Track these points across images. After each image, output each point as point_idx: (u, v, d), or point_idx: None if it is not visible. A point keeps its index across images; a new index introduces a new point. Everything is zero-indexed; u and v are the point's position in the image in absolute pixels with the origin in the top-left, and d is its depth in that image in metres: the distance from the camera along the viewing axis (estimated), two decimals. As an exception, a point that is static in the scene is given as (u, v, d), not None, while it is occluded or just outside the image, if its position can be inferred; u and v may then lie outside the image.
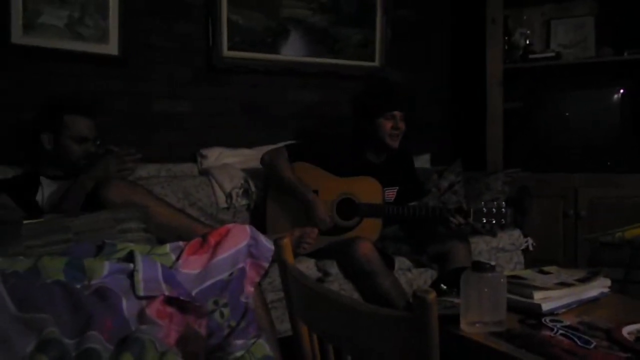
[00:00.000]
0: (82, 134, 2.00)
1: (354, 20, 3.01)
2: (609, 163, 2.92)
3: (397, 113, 2.28)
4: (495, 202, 2.07)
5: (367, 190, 2.25)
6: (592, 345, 1.05)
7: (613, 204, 2.81)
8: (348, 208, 2.26)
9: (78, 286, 1.17)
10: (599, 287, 1.36)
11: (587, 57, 3.06)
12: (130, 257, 1.31)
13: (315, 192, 2.27)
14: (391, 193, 2.37)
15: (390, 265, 2.13)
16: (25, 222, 1.44)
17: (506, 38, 3.14)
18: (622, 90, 2.93)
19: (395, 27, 3.13)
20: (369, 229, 2.23)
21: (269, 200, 2.34)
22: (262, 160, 2.37)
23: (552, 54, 3.07)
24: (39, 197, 1.95)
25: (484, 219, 2.05)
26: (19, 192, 1.82)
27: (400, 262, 2.23)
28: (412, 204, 2.37)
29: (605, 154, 2.94)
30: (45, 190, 1.97)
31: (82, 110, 2.03)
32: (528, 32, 3.17)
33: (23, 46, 2.23)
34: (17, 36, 2.21)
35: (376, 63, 3.08)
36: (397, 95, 2.33)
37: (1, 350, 0.94)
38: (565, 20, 3.18)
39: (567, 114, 3.04)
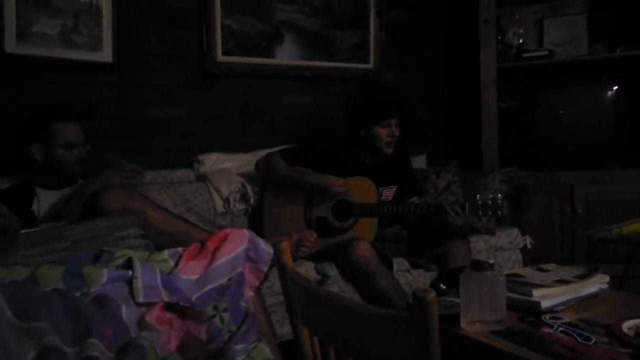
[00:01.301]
0: (71, 141, 1.99)
1: (348, 22, 3.02)
2: (603, 160, 2.93)
3: (392, 121, 2.28)
4: (490, 195, 2.08)
5: (362, 190, 2.25)
6: (592, 342, 1.05)
7: (609, 200, 2.82)
8: (344, 209, 2.26)
9: (77, 294, 1.17)
10: (597, 283, 1.36)
11: (580, 55, 3.07)
12: (128, 264, 1.30)
13: (310, 194, 2.27)
14: (389, 192, 2.37)
15: (388, 266, 2.13)
16: (22, 231, 1.43)
17: (499, 38, 3.15)
18: (615, 87, 2.94)
19: (389, 29, 3.14)
20: (365, 228, 2.23)
21: (265, 206, 2.35)
22: (256, 166, 2.37)
23: (545, 53, 3.08)
24: (34, 207, 1.95)
25: (480, 211, 2.06)
26: (14, 203, 1.81)
27: (399, 263, 2.23)
28: (410, 200, 2.38)
29: (599, 150, 2.95)
30: (41, 200, 1.96)
31: (67, 116, 2.02)
32: (521, 31, 3.19)
33: (17, 55, 2.22)
34: (11, 45, 2.21)
35: (370, 65, 3.09)
36: (393, 102, 2.30)
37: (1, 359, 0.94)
38: (557, 18, 3.20)
39: (561, 111, 3.06)
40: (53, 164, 1.98)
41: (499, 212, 2.04)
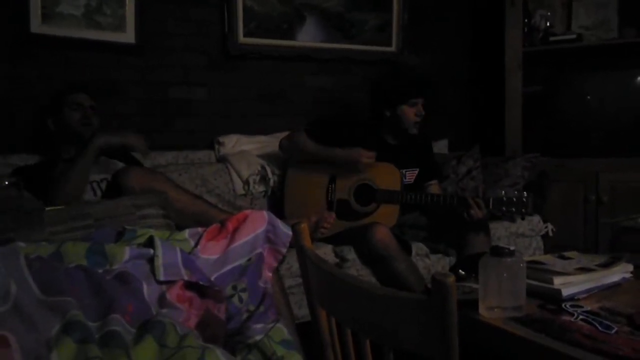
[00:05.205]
0: (77, 101, 2.07)
1: (370, 4, 2.97)
2: (630, 147, 2.86)
3: (419, 100, 2.25)
4: (515, 191, 2.04)
5: (386, 176, 2.24)
6: (614, 331, 1.04)
7: (635, 189, 2.76)
8: (366, 194, 2.25)
9: (100, 271, 1.19)
10: (620, 272, 1.34)
11: (609, 39, 2.98)
12: (150, 243, 1.32)
13: (333, 177, 2.27)
14: (411, 174, 2.36)
15: (407, 250, 2.13)
16: (47, 209, 1.46)
17: (526, 20, 3.07)
18: (645, 73, 2.86)
19: (412, 11, 3.08)
20: (387, 215, 2.22)
21: (287, 188, 2.35)
22: (280, 145, 2.36)
23: (574, 36, 3.00)
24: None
25: (503, 207, 2.03)
26: (40, 179, 1.85)
27: (418, 247, 2.23)
28: (429, 186, 2.36)
29: (627, 137, 2.88)
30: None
31: (80, 88, 2.12)
32: (548, 13, 3.10)
33: (42, 35, 2.25)
34: (36, 25, 2.24)
35: (393, 48, 3.05)
36: (420, 81, 2.29)
37: (28, 332, 0.96)
38: (587, 1, 3.10)
39: (588, 97, 2.98)
40: (64, 128, 2.06)
41: (523, 210, 2.00)
